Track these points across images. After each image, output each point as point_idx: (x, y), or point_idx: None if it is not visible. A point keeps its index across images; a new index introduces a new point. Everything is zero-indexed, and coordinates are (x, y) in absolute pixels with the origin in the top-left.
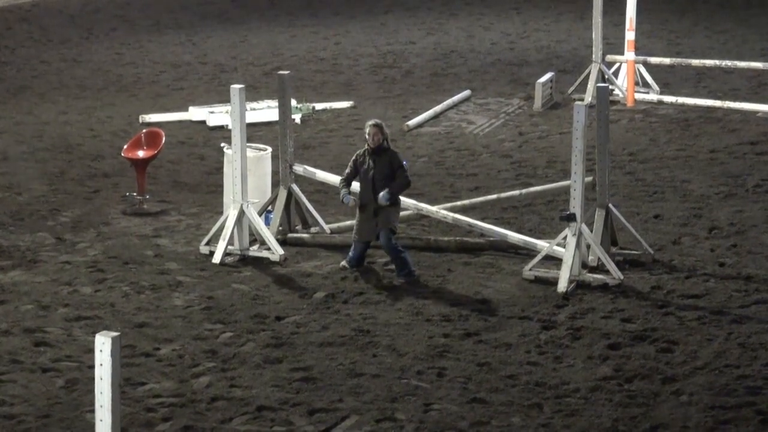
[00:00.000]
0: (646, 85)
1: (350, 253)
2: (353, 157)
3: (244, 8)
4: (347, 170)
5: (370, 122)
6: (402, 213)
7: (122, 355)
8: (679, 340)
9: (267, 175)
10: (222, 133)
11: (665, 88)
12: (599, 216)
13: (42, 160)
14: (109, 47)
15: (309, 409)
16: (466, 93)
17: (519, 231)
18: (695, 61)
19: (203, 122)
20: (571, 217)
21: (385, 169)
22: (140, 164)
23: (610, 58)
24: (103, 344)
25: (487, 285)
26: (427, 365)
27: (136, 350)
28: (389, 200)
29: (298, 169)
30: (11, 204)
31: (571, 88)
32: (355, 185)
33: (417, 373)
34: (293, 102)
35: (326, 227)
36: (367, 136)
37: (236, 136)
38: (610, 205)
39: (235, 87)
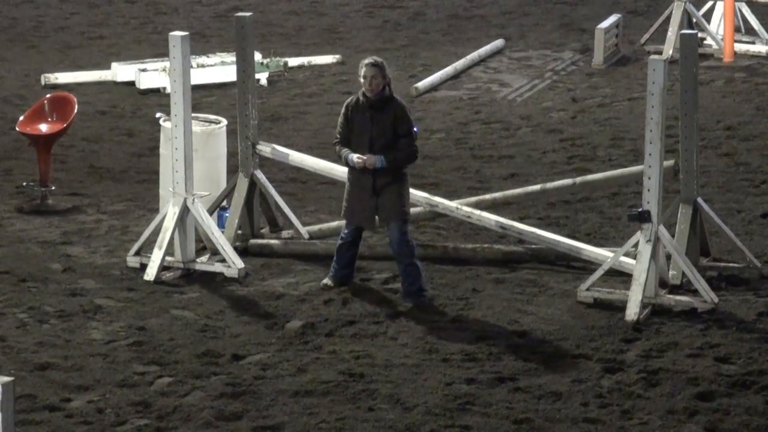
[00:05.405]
0: (750, 31)
1: (334, 264)
2: (343, 109)
3: None
4: (338, 128)
5: (367, 61)
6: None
7: (17, 408)
8: None
9: (221, 158)
10: (158, 99)
11: None
12: (684, 215)
13: None
14: None
15: None
16: (498, 43)
17: (572, 236)
18: None
19: (131, 84)
20: (645, 217)
21: (387, 129)
22: (43, 142)
23: None
24: None
25: (528, 311)
26: (443, 423)
27: (37, 402)
28: (383, 165)
29: (265, 149)
30: None
31: (645, 36)
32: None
33: None
34: (257, 56)
35: (303, 230)
36: (362, 80)
37: (178, 104)
38: (700, 200)
39: (176, 35)
